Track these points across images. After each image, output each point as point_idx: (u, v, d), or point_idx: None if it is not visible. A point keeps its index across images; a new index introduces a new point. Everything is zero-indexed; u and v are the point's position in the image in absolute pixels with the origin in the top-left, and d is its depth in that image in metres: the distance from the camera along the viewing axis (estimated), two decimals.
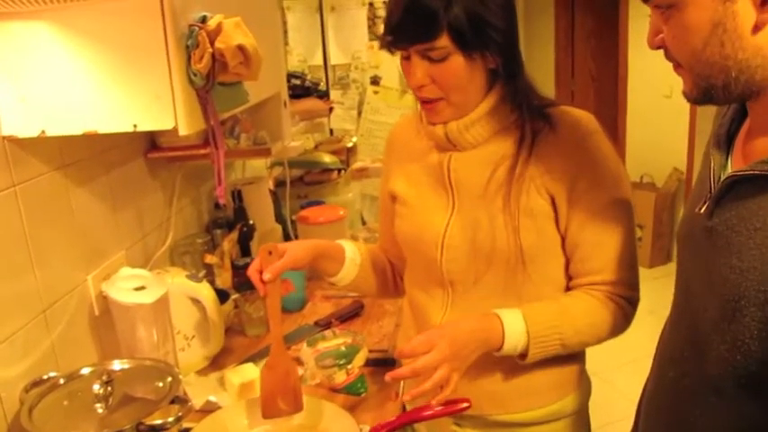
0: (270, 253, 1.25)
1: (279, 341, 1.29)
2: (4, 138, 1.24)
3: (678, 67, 0.88)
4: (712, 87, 0.84)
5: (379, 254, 1.51)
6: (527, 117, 1.20)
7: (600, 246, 1.22)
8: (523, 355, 1.20)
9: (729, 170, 0.90)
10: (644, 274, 4.81)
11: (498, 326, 1.18)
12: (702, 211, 0.91)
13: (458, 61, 1.14)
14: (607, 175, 1.21)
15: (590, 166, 1.19)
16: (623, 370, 3.14)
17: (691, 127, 4.65)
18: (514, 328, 1.18)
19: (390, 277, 1.51)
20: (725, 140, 0.94)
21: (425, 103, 1.22)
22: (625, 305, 1.25)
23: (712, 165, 0.93)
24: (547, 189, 1.19)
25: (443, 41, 1.12)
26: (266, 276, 1.22)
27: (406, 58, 1.19)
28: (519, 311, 1.20)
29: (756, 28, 0.78)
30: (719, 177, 0.90)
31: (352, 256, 1.42)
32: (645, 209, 4.92)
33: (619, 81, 5.49)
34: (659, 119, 5.11)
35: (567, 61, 6.30)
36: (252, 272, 1.25)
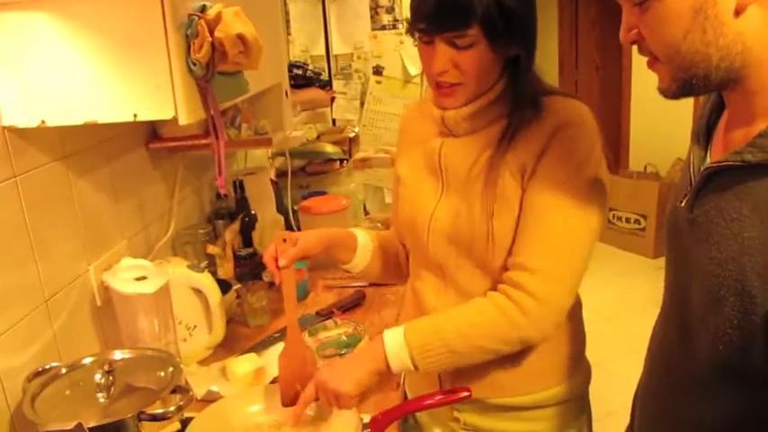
0: (284, 241, 1.28)
1: (295, 328, 1.31)
2: (4, 128, 1.24)
3: (655, 61, 0.86)
4: (693, 77, 0.82)
5: (391, 238, 1.52)
6: (518, 106, 1.21)
7: (525, 230, 1.19)
8: (416, 368, 1.19)
9: (708, 162, 0.90)
10: (647, 264, 4.87)
11: (380, 344, 1.20)
12: (683, 204, 0.90)
13: (483, 50, 1.15)
14: (567, 166, 1.16)
15: (559, 150, 1.16)
16: (625, 360, 3.14)
17: (695, 116, 4.64)
18: (394, 342, 1.19)
19: (404, 260, 1.51)
20: (704, 133, 0.93)
21: (441, 87, 1.22)
22: (523, 299, 1.15)
23: (692, 158, 0.92)
24: (519, 170, 1.19)
25: (473, 30, 1.12)
26: (281, 262, 1.26)
27: (427, 43, 1.18)
28: (403, 325, 1.21)
29: (737, 12, 0.77)
30: (699, 170, 0.89)
31: (365, 242, 1.43)
32: (648, 199, 4.91)
33: (623, 71, 5.46)
34: (663, 109, 5.08)
35: (570, 51, 6.27)
36: (268, 259, 1.28)
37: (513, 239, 1.20)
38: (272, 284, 1.75)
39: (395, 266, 1.51)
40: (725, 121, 0.91)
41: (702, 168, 0.87)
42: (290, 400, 1.29)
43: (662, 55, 0.83)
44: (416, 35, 1.20)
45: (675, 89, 0.84)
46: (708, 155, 0.91)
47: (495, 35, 1.13)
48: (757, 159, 0.78)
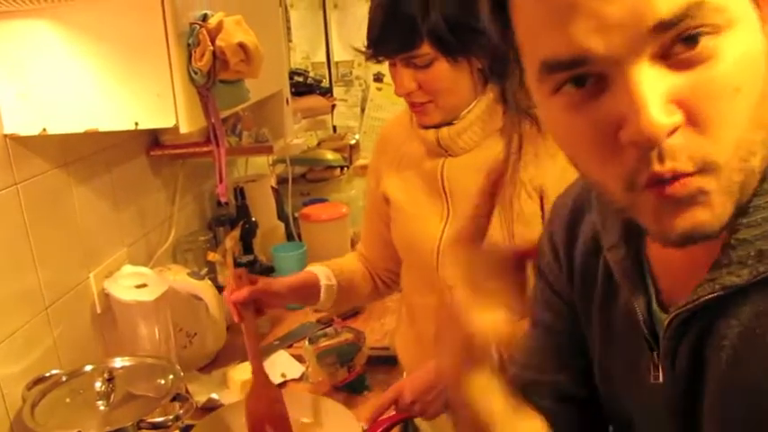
0: (240, 277, 1.26)
1: (260, 370, 1.30)
2: (5, 136, 1.25)
3: (693, 182, 0.50)
4: (751, 174, 0.52)
5: (355, 264, 1.51)
6: (516, 119, 1.19)
7: None
8: None
9: (658, 310, 0.64)
10: None
11: None
12: (660, 379, 0.63)
13: (442, 66, 1.13)
14: None
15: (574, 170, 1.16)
16: None
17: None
18: None
19: (371, 286, 1.52)
20: (635, 272, 0.66)
21: (414, 106, 1.21)
22: None
23: (640, 313, 0.64)
24: (536, 190, 1.18)
25: (425, 48, 1.11)
26: (234, 297, 1.24)
27: (391, 65, 1.18)
28: None
29: None
30: (655, 321, 0.64)
31: (328, 282, 1.41)
32: None
33: None
34: None
35: None
36: (227, 296, 1.27)
37: None
38: (228, 327, 1.74)
39: (363, 294, 1.52)
40: (656, 245, 0.63)
41: (666, 319, 0.61)
42: None
43: (729, 141, 0.50)
44: (377, 61, 1.20)
45: (726, 219, 0.52)
46: (652, 298, 0.65)
47: (448, 50, 1.12)
48: (745, 279, 0.55)
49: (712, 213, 0.51)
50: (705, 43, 0.48)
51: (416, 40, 1.11)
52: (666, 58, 0.48)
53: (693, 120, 0.49)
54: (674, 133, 0.48)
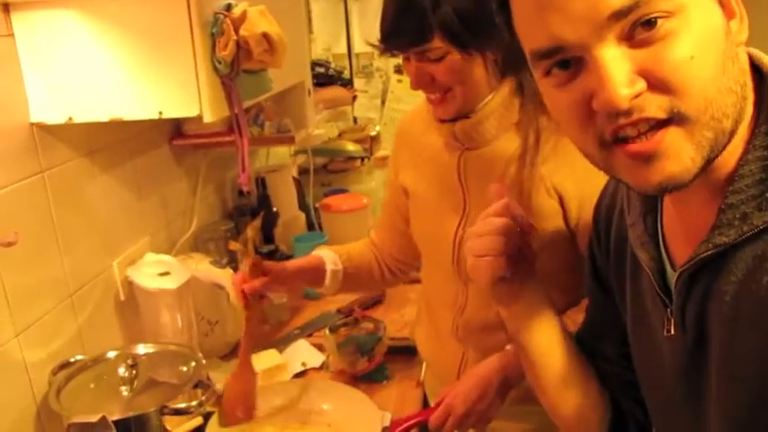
0: (256, 266, 1.29)
1: (246, 354, 1.34)
2: (32, 124, 1.26)
3: (662, 128, 0.60)
4: (721, 138, 0.61)
5: (364, 253, 1.52)
6: (533, 113, 1.18)
7: None
8: None
9: (671, 272, 0.72)
10: None
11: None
12: (672, 332, 0.72)
13: (455, 59, 1.12)
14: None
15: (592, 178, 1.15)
16: None
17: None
18: None
19: (377, 275, 1.53)
20: (649, 236, 0.75)
21: (430, 100, 1.21)
22: None
23: (651, 277, 0.74)
24: (555, 188, 1.17)
25: (437, 42, 1.10)
26: (246, 287, 1.27)
27: (406, 59, 1.18)
28: None
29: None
30: (665, 281, 0.72)
31: (334, 267, 1.43)
32: None
33: None
34: None
35: None
36: (237, 282, 1.30)
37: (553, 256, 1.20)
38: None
39: (368, 281, 1.53)
40: (669, 212, 0.74)
41: (674, 278, 0.70)
42: (228, 423, 1.31)
43: (694, 102, 0.59)
44: (392, 55, 1.19)
45: (700, 161, 0.61)
46: (667, 262, 0.73)
47: (460, 43, 1.10)
48: (732, 238, 0.63)
49: (682, 166, 0.60)
50: (661, 24, 0.58)
51: (428, 34, 1.10)
52: (629, 39, 0.59)
53: (658, 85, 0.59)
54: (638, 98, 0.59)
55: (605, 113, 0.60)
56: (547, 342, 0.94)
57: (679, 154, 0.60)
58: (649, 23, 0.58)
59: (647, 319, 0.78)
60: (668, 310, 0.72)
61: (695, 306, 0.68)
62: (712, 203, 0.65)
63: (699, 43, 0.58)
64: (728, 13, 0.62)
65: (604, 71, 0.59)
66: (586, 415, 0.95)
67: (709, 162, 0.61)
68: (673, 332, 0.72)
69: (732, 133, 0.62)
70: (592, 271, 0.94)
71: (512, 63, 1.16)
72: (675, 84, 0.58)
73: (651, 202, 0.75)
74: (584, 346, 0.96)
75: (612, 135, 0.62)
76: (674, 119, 0.59)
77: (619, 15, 0.58)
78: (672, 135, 0.60)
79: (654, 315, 0.76)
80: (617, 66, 0.59)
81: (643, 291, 0.78)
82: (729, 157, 0.64)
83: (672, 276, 0.71)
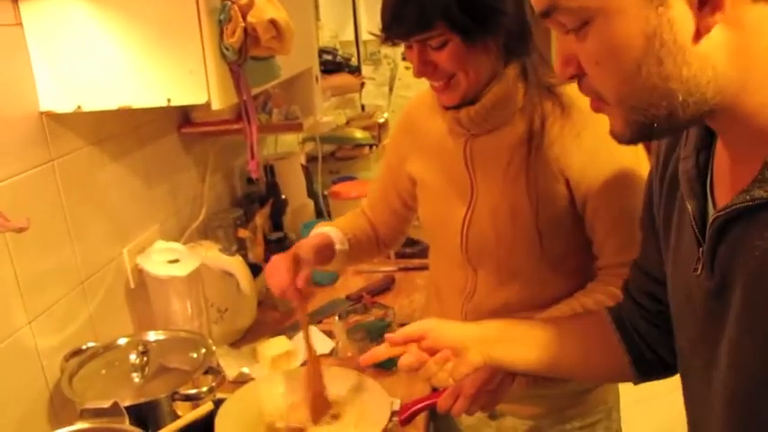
0: (297, 262, 1.31)
1: (314, 352, 1.35)
2: (41, 113, 1.27)
3: (600, 103, 0.72)
4: (653, 120, 0.67)
5: (363, 226, 1.54)
6: (537, 98, 1.18)
7: (611, 235, 1.19)
8: None
9: (712, 212, 0.73)
10: None
11: None
12: (700, 272, 0.74)
13: (458, 46, 1.12)
14: (622, 157, 1.15)
15: (601, 149, 1.14)
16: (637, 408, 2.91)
17: (656, 155, 4.51)
18: None
19: (375, 244, 1.56)
20: (696, 177, 0.77)
21: (435, 87, 1.21)
22: None
23: (690, 211, 0.76)
24: (562, 172, 1.17)
25: (438, 30, 1.10)
26: (300, 284, 1.30)
27: (408, 48, 1.17)
28: None
29: (698, 35, 0.63)
30: (705, 223, 0.74)
31: (341, 247, 1.44)
32: None
33: None
34: None
35: None
36: (283, 287, 1.31)
37: (581, 236, 1.22)
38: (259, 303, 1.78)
39: (367, 252, 1.57)
40: (720, 155, 0.75)
41: (710, 220, 0.71)
42: (317, 419, 1.30)
43: (610, 95, 0.69)
44: (393, 44, 1.19)
45: (631, 134, 0.71)
46: (710, 202, 0.75)
47: (462, 30, 1.10)
48: None
49: (616, 129, 0.72)
50: (584, 28, 0.67)
51: (429, 22, 1.09)
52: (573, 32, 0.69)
53: (583, 72, 0.70)
54: (573, 79, 0.72)
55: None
56: (537, 359, 1.03)
57: (612, 120, 0.72)
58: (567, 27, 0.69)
59: (683, 254, 0.80)
60: (701, 249, 0.74)
61: (725, 253, 0.70)
62: (760, 152, 0.65)
63: (604, 52, 0.66)
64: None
65: (556, 51, 0.72)
66: (608, 373, 1.07)
67: (648, 136, 0.71)
68: (701, 272, 0.74)
69: (699, 104, 0.66)
70: (648, 202, 0.95)
71: (515, 48, 1.16)
72: (591, 78, 0.70)
73: (706, 139, 0.76)
74: (636, 281, 1.01)
75: None
76: (601, 100, 0.71)
77: (543, 16, 0.70)
78: (604, 107, 0.72)
79: (689, 251, 0.78)
80: (560, 49, 0.71)
81: (684, 225, 0.80)
82: None
83: (710, 217, 0.72)
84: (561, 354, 1.03)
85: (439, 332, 1.06)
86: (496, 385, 1.11)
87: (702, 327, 0.77)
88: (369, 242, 1.53)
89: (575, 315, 1.16)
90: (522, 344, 1.04)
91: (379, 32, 1.17)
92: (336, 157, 2.73)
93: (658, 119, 0.67)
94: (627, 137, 0.71)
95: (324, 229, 1.46)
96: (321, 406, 1.30)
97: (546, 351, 1.03)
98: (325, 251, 1.41)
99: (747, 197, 0.65)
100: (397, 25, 1.13)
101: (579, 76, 0.71)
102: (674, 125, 0.68)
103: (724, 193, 0.72)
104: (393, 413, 1.24)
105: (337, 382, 1.34)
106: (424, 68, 1.16)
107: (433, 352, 1.04)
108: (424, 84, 1.24)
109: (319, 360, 1.35)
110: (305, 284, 1.30)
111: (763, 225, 0.65)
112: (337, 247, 1.43)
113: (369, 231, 1.54)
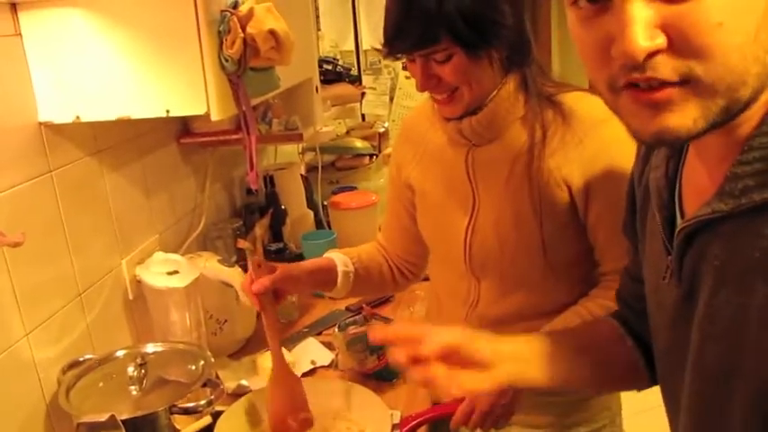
0: (259, 266, 1.22)
1: (281, 359, 1.25)
2: (40, 123, 1.26)
3: (686, 85, 0.58)
4: (735, 103, 0.59)
5: (373, 254, 1.50)
6: (538, 108, 1.18)
7: (616, 235, 1.19)
8: None
9: (679, 222, 0.73)
10: None
11: None
12: (667, 279, 0.75)
13: (461, 60, 1.11)
14: (623, 164, 1.12)
15: (602, 156, 1.14)
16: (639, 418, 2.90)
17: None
18: None
19: (388, 277, 1.50)
20: (665, 186, 0.76)
21: (436, 100, 1.20)
22: None
23: (659, 222, 0.76)
24: (564, 180, 1.17)
25: (443, 44, 1.09)
26: (255, 288, 1.19)
27: (411, 61, 1.17)
28: None
29: None
30: (672, 233, 0.73)
31: (345, 269, 1.39)
32: None
33: None
34: None
35: None
36: (246, 286, 1.22)
37: (585, 243, 1.21)
38: (258, 314, 1.72)
39: (379, 284, 1.51)
40: (691, 164, 0.73)
41: (677, 230, 0.71)
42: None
43: (709, 73, 0.57)
44: (396, 58, 1.18)
45: (706, 125, 0.60)
46: (678, 211, 0.74)
47: (466, 44, 1.09)
48: (729, 207, 0.63)
49: (682, 124, 0.59)
50: None
51: (433, 36, 1.09)
52: None
53: (678, 46, 0.57)
54: (655, 56, 0.57)
55: (621, 63, 0.59)
56: (564, 377, 0.95)
57: (683, 111, 0.59)
58: None
59: (654, 262, 0.81)
60: (669, 258, 0.75)
61: (691, 262, 0.71)
62: (725, 164, 0.64)
63: (731, 9, 0.55)
64: None
65: (627, 16, 0.57)
66: (623, 380, 1.02)
67: (714, 127, 0.60)
68: (669, 280, 0.75)
69: (751, 101, 0.60)
70: (629, 208, 0.94)
71: (515, 59, 1.16)
72: (697, 48, 0.56)
73: (678, 150, 0.75)
74: (627, 287, 1.00)
75: (626, 84, 0.61)
76: (689, 82, 0.58)
77: None
78: (681, 93, 0.58)
79: (659, 259, 0.78)
80: (640, 13, 0.56)
81: (655, 233, 0.80)
82: (749, 122, 0.63)
83: (678, 228, 0.72)
84: (585, 368, 0.99)
85: (471, 347, 1.00)
86: (510, 398, 1.10)
87: (672, 334, 0.78)
88: (379, 270, 1.48)
89: (587, 325, 1.14)
90: (552, 362, 0.96)
91: (381, 47, 1.16)
92: (336, 167, 2.72)
93: (739, 104, 0.59)
94: (698, 127, 0.60)
95: (329, 254, 1.44)
96: (302, 424, 1.24)
97: (572, 367, 0.97)
98: (321, 274, 1.37)
99: (709, 209, 0.65)
100: (400, 40, 1.13)
101: (659, 53, 0.57)
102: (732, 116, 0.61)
103: (691, 202, 0.72)
104: (393, 426, 1.24)
105: (336, 395, 1.34)
106: (428, 82, 1.16)
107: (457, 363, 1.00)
108: (425, 94, 1.24)
109: (295, 377, 1.31)
110: (262, 290, 1.19)
111: (722, 237, 0.65)
112: (340, 268, 1.39)
113: (380, 259, 1.50)
